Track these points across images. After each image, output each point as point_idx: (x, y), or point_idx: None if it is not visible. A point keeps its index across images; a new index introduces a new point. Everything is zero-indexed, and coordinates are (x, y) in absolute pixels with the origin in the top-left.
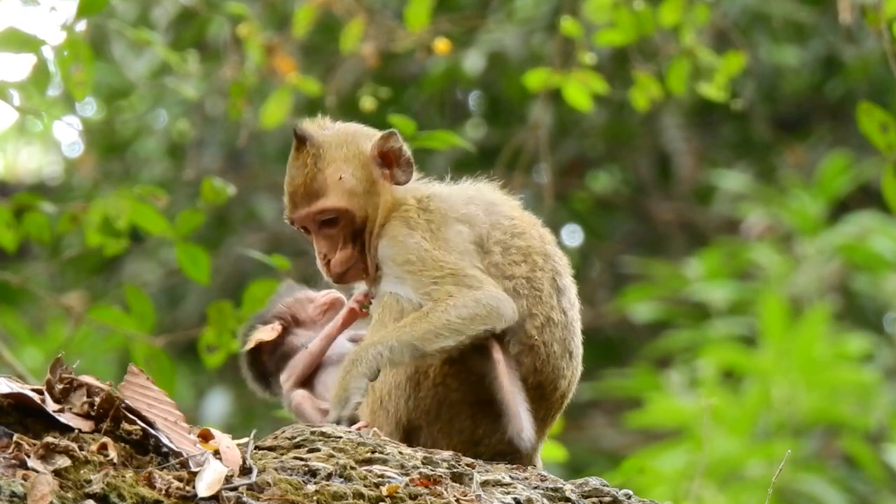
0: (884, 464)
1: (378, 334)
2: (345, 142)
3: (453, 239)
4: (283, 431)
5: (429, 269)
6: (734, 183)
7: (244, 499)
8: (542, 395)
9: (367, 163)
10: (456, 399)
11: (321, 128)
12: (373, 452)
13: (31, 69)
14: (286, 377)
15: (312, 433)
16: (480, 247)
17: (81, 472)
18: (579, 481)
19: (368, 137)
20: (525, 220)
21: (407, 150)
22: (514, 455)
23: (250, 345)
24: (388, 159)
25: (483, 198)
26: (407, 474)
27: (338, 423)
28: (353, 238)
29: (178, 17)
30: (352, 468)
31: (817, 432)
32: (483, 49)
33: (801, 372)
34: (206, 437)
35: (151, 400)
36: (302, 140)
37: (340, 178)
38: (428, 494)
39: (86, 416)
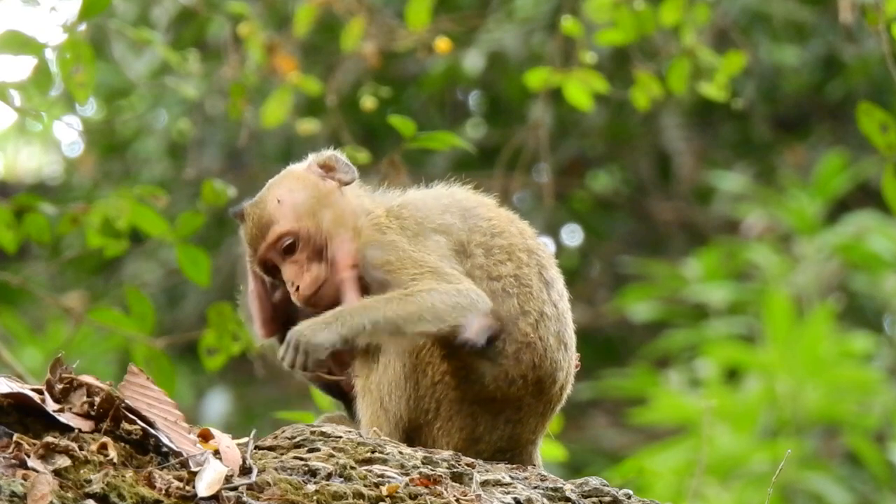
0: (887, 462)
1: (365, 304)
2: (275, 178)
3: (432, 246)
4: (283, 431)
5: (408, 267)
6: (733, 184)
7: (244, 498)
8: (541, 389)
9: (303, 177)
10: (455, 397)
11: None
12: (373, 452)
13: (32, 71)
14: None
15: (312, 433)
16: (462, 252)
17: (81, 471)
18: (579, 481)
19: (299, 163)
20: (502, 217)
21: (341, 155)
22: (514, 452)
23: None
24: (326, 167)
25: (459, 205)
26: (407, 474)
27: (291, 365)
28: (318, 257)
29: (178, 16)
30: (352, 468)
31: (821, 430)
32: (483, 49)
33: (805, 370)
34: (206, 437)
35: (151, 400)
36: (240, 213)
37: (278, 201)
38: (428, 494)
39: (86, 415)
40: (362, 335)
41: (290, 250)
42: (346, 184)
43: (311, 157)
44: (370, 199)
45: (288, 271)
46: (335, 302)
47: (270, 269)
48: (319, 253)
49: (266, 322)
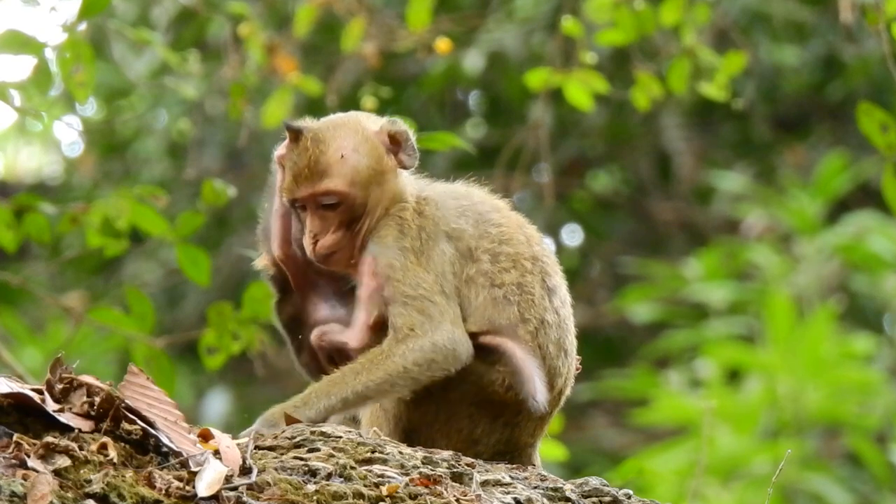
0: (887, 463)
1: (334, 380)
2: (344, 122)
3: (435, 259)
4: (283, 431)
5: (406, 283)
6: (733, 184)
7: (244, 498)
8: None
9: (372, 139)
10: (454, 398)
11: (312, 121)
12: (373, 452)
13: (32, 71)
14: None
15: (312, 433)
16: (469, 257)
17: (81, 471)
18: (579, 481)
19: (370, 119)
20: (512, 224)
21: (412, 134)
22: (513, 455)
23: (259, 265)
24: (395, 141)
25: (474, 209)
26: (407, 474)
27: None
28: (348, 224)
29: (178, 16)
30: (352, 468)
31: (821, 431)
32: (483, 49)
33: (805, 370)
34: (206, 436)
35: (151, 400)
36: (297, 131)
37: (342, 156)
38: (428, 494)
39: (86, 415)
40: (334, 412)
41: (327, 207)
42: (404, 168)
43: (385, 122)
44: (410, 184)
45: (314, 222)
46: (342, 267)
47: (295, 204)
48: (351, 223)
49: (285, 241)
